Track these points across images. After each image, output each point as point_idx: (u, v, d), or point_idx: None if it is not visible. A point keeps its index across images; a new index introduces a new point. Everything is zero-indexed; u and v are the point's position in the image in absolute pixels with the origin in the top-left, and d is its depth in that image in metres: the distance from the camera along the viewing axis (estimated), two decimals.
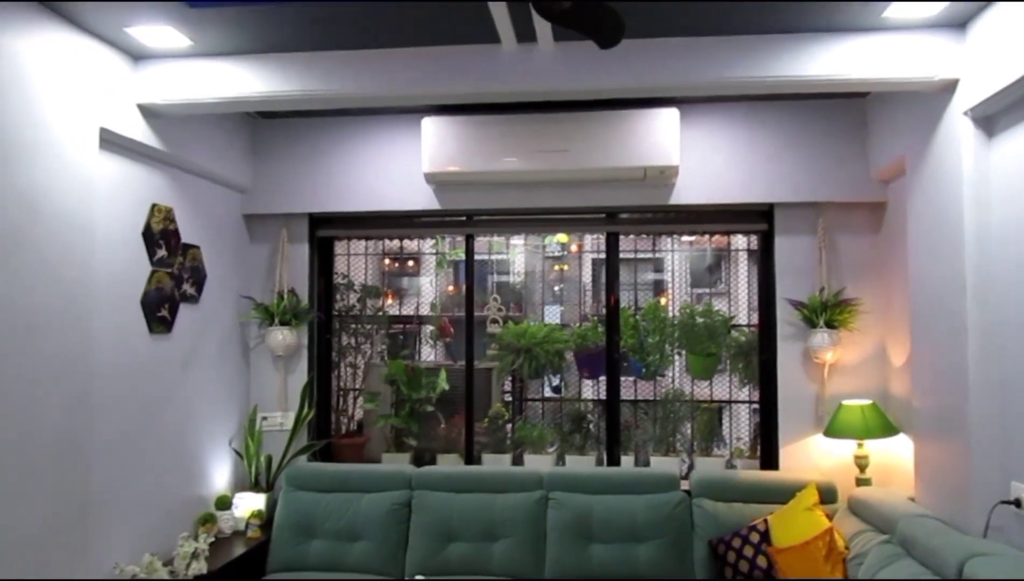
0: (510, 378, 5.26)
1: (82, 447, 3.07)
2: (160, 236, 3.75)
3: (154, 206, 3.72)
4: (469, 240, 4.77)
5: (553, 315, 6.48)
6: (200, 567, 3.46)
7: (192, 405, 4.06)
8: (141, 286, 3.63)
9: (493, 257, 5.66)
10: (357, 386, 5.08)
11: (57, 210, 2.95)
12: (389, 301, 5.37)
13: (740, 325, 4.79)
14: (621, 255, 4.69)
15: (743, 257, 5.09)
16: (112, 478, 3.39)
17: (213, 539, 3.92)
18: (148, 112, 3.54)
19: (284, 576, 3.96)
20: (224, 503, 4.20)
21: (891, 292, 4.15)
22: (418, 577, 2.69)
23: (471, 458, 4.68)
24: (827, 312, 4.16)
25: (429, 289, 5.70)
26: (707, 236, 4.80)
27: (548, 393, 5.37)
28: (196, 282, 4.08)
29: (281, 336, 4.47)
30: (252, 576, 3.96)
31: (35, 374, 2.83)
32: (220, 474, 4.33)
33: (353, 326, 5.06)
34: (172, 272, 3.85)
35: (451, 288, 6.04)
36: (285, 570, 4.04)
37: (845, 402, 4.02)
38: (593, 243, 7.96)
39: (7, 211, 2.71)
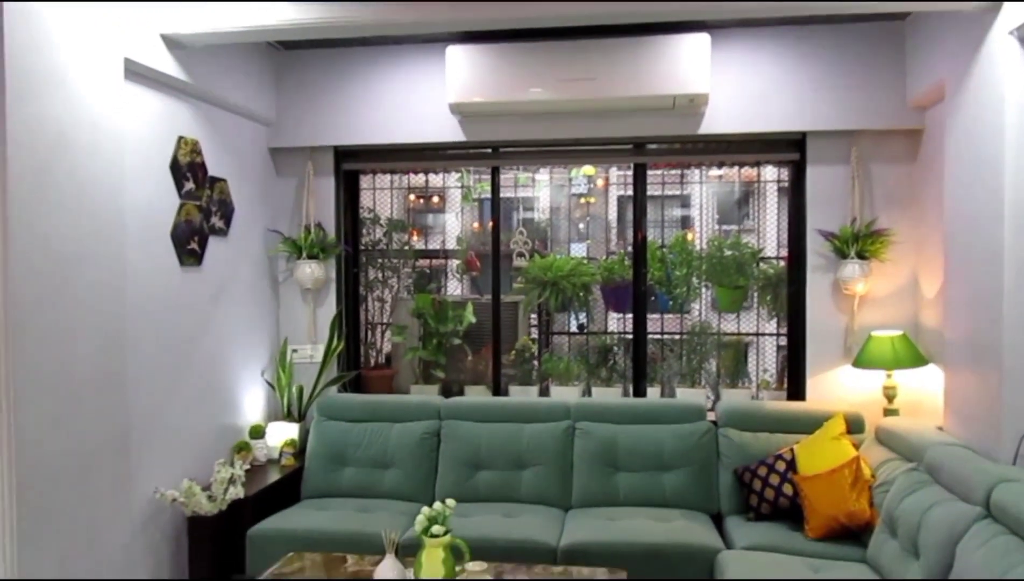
0: (536, 312, 5.27)
1: (119, 377, 3.14)
2: (187, 169, 3.76)
3: (180, 139, 3.72)
4: (495, 173, 4.73)
5: (579, 253, 6.44)
6: (237, 492, 3.56)
7: (223, 337, 4.13)
8: (171, 219, 3.66)
9: (519, 194, 5.63)
10: (385, 320, 5.12)
11: (86, 142, 2.95)
12: (415, 238, 5.37)
13: (768, 257, 4.75)
14: (648, 192, 4.63)
15: (772, 190, 5.01)
16: (149, 408, 3.48)
17: (248, 467, 4.02)
18: (171, 43, 3.51)
19: (319, 502, 4.07)
20: (258, 432, 4.31)
21: (925, 222, 4.07)
22: (449, 500, 2.75)
23: (498, 390, 4.73)
24: (858, 243, 4.09)
25: (455, 224, 5.69)
26: (736, 168, 4.71)
27: (575, 328, 5.39)
28: (224, 215, 4.10)
29: (309, 270, 4.50)
30: (287, 502, 4.07)
31: (72, 307, 2.87)
32: (253, 405, 4.42)
33: (380, 260, 5.08)
34: (200, 205, 3.87)
35: (476, 225, 6.03)
36: (319, 497, 4.15)
37: (875, 333, 3.99)
38: (619, 178, 7.87)
39: (36, 143, 2.72)
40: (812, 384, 4.29)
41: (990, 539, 2.43)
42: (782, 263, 4.58)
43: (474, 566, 2.69)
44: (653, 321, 4.73)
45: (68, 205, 2.86)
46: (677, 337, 4.96)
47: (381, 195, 5.08)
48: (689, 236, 5.03)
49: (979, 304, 3.23)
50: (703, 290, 4.87)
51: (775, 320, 4.71)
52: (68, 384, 2.85)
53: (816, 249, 4.27)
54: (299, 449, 4.35)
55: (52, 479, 2.76)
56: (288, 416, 4.47)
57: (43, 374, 2.73)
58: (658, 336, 4.93)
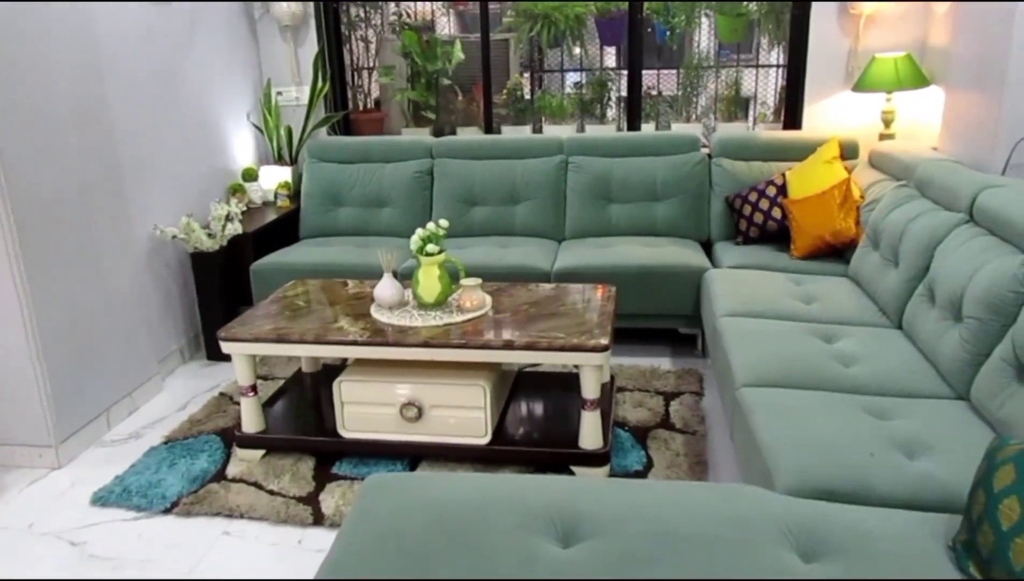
0: (528, 48, 5.05)
1: (100, 110, 3.07)
2: None
3: None
4: None
5: None
6: (235, 228, 3.63)
7: (204, 76, 3.98)
8: None
9: None
10: (371, 64, 4.93)
11: None
12: None
13: None
14: None
15: None
16: (138, 148, 3.44)
17: (245, 208, 4.07)
18: None
19: (318, 241, 4.16)
20: (251, 175, 4.31)
21: None
22: (441, 221, 2.79)
23: (490, 130, 4.65)
24: None
25: None
26: None
27: (568, 64, 5.19)
28: None
29: (286, 4, 4.25)
30: (286, 241, 4.17)
31: (42, 38, 2.74)
32: (243, 149, 4.38)
33: None
34: None
35: None
36: (318, 236, 4.24)
37: (878, 55, 3.84)
38: None
39: None
40: (809, 113, 4.21)
41: (968, 240, 2.49)
42: None
43: (469, 281, 2.80)
44: (650, 55, 4.54)
45: None
46: (674, 68, 4.79)
47: None
48: None
49: (990, 19, 3.07)
50: (703, 19, 4.64)
51: (776, 50, 4.53)
52: (49, 118, 2.79)
53: None
54: (294, 191, 4.37)
55: (50, 213, 2.79)
56: (279, 159, 4.44)
57: (21, 109, 2.66)
58: (654, 72, 4.77)
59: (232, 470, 2.77)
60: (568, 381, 3.15)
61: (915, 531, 1.58)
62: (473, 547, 1.55)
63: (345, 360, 3.52)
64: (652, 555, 1.51)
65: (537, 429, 2.80)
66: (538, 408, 2.94)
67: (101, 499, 2.63)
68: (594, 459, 2.62)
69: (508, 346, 2.53)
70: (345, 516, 1.69)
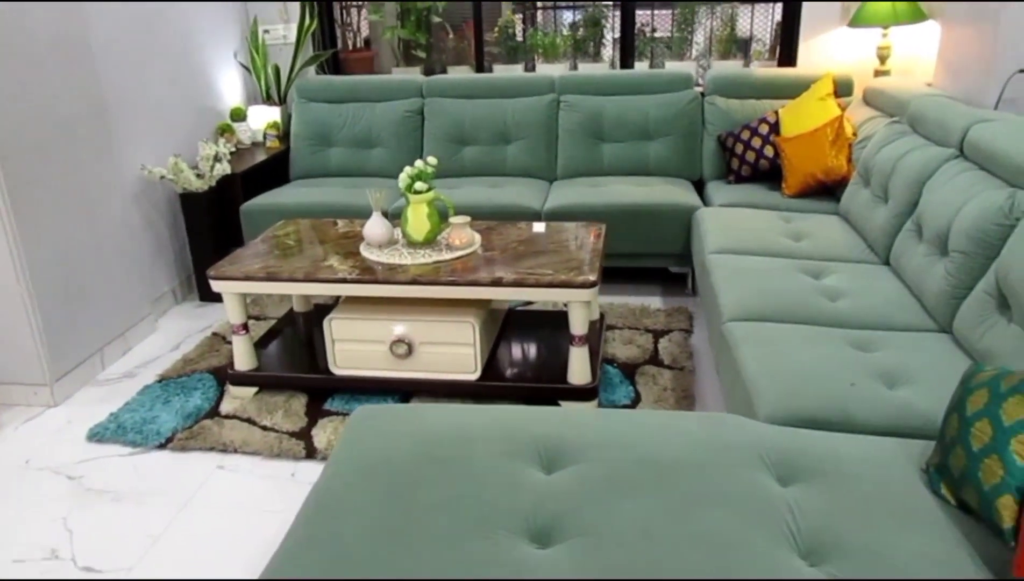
0: None
1: (82, 47, 3.01)
2: None
3: None
4: None
5: None
6: (224, 168, 3.60)
7: (189, 15, 3.90)
8: None
9: None
10: (360, 1, 4.83)
11: None
12: None
13: None
14: None
15: None
16: (123, 84, 3.39)
17: (234, 149, 4.03)
18: None
19: (308, 182, 4.13)
20: (239, 115, 4.26)
21: None
22: (430, 158, 2.78)
23: (481, 69, 4.58)
24: None
25: None
26: None
27: (561, 2, 5.09)
28: None
29: None
30: (276, 182, 4.14)
31: None
32: (231, 88, 4.32)
33: None
34: None
35: None
36: (308, 177, 4.21)
37: None
38: None
39: None
40: (805, 50, 4.15)
41: (957, 175, 2.48)
42: None
43: (458, 219, 2.79)
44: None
45: None
46: (669, 11, 4.71)
47: None
48: None
49: None
50: None
51: None
52: (27, 52, 2.74)
53: None
54: (283, 132, 4.33)
55: (34, 150, 2.76)
56: (268, 99, 4.39)
57: None
58: (649, 11, 4.68)
59: (225, 407, 2.80)
60: (558, 320, 3.17)
61: (890, 456, 1.62)
62: (458, 473, 1.58)
63: (336, 299, 3.53)
64: (633, 479, 1.54)
65: (526, 366, 2.83)
66: (528, 346, 2.97)
67: (97, 435, 2.67)
68: (582, 394, 2.66)
69: (496, 283, 2.54)
70: (333, 449, 1.72)
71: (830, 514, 1.43)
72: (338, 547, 1.41)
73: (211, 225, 3.66)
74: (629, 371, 2.94)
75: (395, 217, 3.51)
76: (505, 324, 3.13)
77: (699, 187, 3.94)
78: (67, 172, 2.93)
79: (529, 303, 3.54)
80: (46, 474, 2.49)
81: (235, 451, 2.55)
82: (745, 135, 3.74)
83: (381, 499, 1.52)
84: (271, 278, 2.67)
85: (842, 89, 3.82)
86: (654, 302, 3.58)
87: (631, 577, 1.30)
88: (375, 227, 2.81)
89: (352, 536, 1.43)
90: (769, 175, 3.71)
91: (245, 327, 2.81)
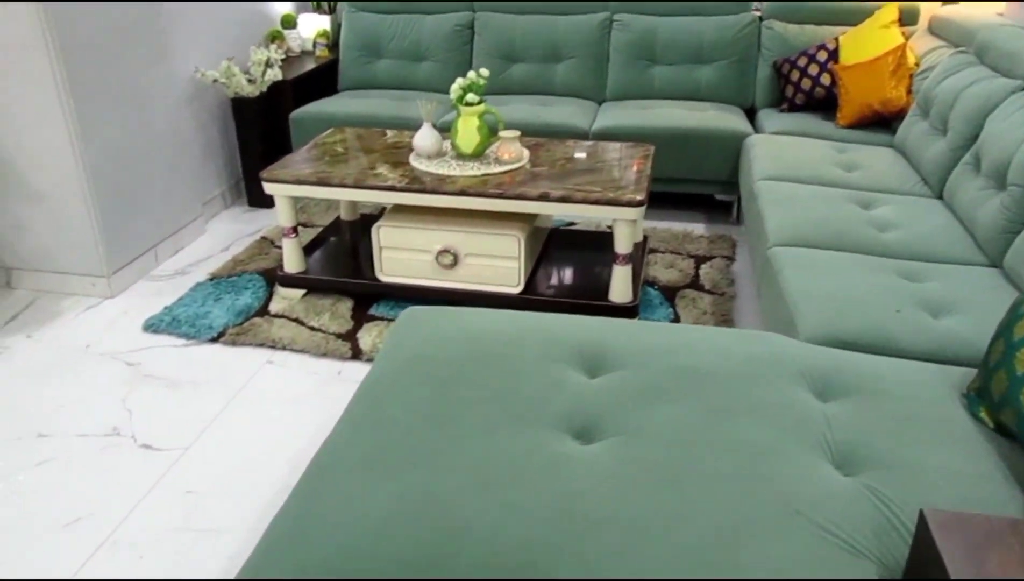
0: None
1: None
2: None
3: None
4: None
5: None
6: (275, 74, 3.61)
7: None
8: None
9: None
10: None
11: None
12: None
13: None
14: None
15: None
16: None
17: (284, 56, 4.04)
18: None
19: (356, 93, 4.14)
20: (289, 22, 4.24)
21: None
22: (482, 70, 2.76)
23: None
24: None
25: None
26: None
27: None
28: None
29: None
30: (324, 92, 4.15)
31: None
32: None
33: None
34: None
35: None
36: (356, 88, 4.21)
37: None
38: None
39: None
40: None
41: (1023, 107, 2.42)
42: None
43: (507, 133, 2.79)
44: None
45: None
46: None
47: None
48: None
49: None
50: None
51: None
52: None
53: None
54: (332, 41, 4.31)
55: (92, 45, 2.80)
56: (318, 7, 4.36)
57: None
58: None
59: (274, 307, 2.89)
60: (599, 240, 3.19)
61: (931, 379, 1.63)
62: (503, 371, 1.64)
63: (381, 210, 3.58)
64: (673, 386, 1.59)
65: (568, 283, 2.87)
66: (569, 264, 3.00)
67: (152, 326, 2.78)
68: (623, 312, 2.69)
69: (544, 198, 2.56)
70: (383, 345, 1.79)
71: (866, 429, 1.47)
72: (389, 429, 1.48)
73: (261, 131, 3.70)
74: (669, 294, 2.96)
75: (443, 130, 3.52)
76: (548, 243, 3.15)
77: (750, 114, 3.87)
78: (123, 72, 2.97)
79: (572, 224, 3.55)
80: (106, 359, 2.61)
81: (283, 348, 2.65)
82: (802, 62, 3.65)
83: (429, 391, 1.59)
84: (322, 183, 2.72)
85: (907, 18, 3.68)
86: (697, 228, 3.57)
87: (670, 475, 1.35)
88: (425, 138, 2.83)
89: (402, 421, 1.50)
90: (823, 104, 3.62)
91: (295, 230, 2.88)
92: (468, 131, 2.78)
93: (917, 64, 3.37)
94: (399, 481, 1.34)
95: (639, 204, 2.50)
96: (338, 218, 3.40)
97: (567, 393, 1.58)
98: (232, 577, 1.76)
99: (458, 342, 1.76)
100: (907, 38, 3.52)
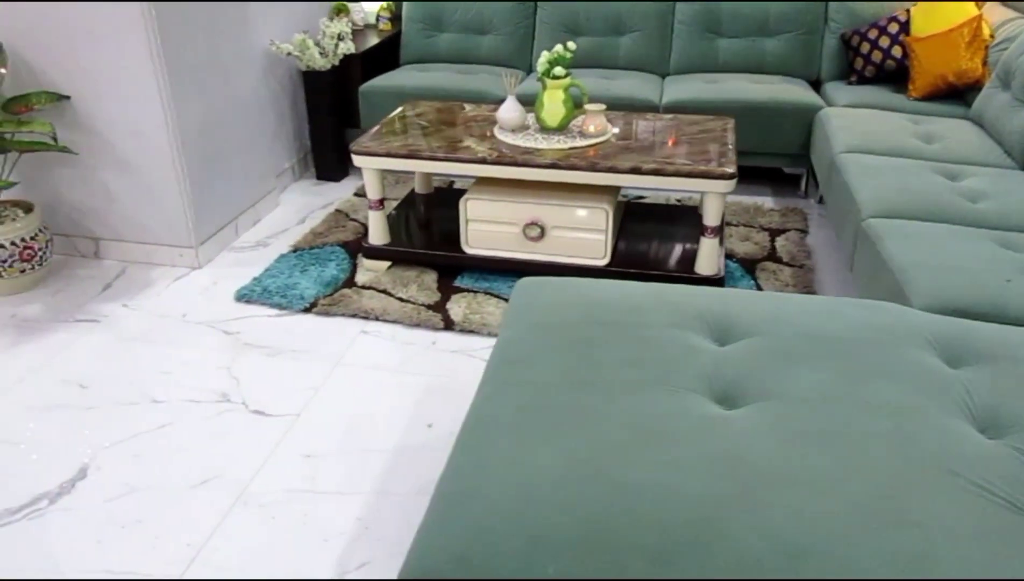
0: None
1: None
2: None
3: None
4: None
5: None
6: (348, 47, 3.64)
7: None
8: None
9: None
10: None
11: None
12: None
13: None
14: None
15: None
16: None
17: (349, 29, 4.05)
18: None
19: (419, 66, 4.16)
20: None
21: None
22: (570, 43, 2.78)
23: None
24: None
25: None
26: None
27: None
28: None
29: None
30: (387, 66, 4.18)
31: None
32: None
33: None
34: None
35: None
36: (418, 62, 4.23)
37: None
38: None
39: None
40: None
41: None
42: None
43: (593, 107, 2.82)
44: None
45: None
46: None
47: None
48: None
49: None
50: None
51: None
52: None
53: None
54: (395, 14, 4.33)
55: (185, 17, 2.84)
56: None
57: None
58: None
59: (360, 278, 2.95)
60: (673, 213, 3.22)
61: None
62: (632, 336, 1.68)
63: (451, 183, 3.62)
64: (804, 351, 1.63)
65: (650, 255, 2.90)
66: (650, 236, 3.03)
67: (244, 296, 2.84)
68: (710, 284, 2.73)
69: (636, 171, 2.59)
70: (505, 313, 1.84)
71: (1006, 394, 1.50)
72: (533, 391, 1.53)
73: (330, 104, 3.74)
74: (749, 266, 2.99)
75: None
76: (623, 216, 3.18)
77: (815, 87, 3.86)
78: (210, 43, 3.01)
79: (641, 197, 3.58)
80: (203, 328, 2.68)
81: (376, 318, 2.71)
82: (872, 34, 3.63)
83: (563, 354, 1.63)
84: (412, 156, 2.76)
85: None
86: (767, 201, 3.59)
87: (823, 436, 1.40)
88: (510, 111, 2.86)
89: (543, 383, 1.55)
90: (893, 76, 3.62)
91: (381, 203, 2.92)
92: (554, 104, 2.81)
93: (992, 35, 3.35)
94: (558, 442, 1.39)
95: (731, 177, 2.53)
96: (412, 191, 3.44)
97: (703, 358, 1.62)
98: (398, 541, 1.83)
99: (581, 309, 1.80)
100: (981, 9, 3.49)
